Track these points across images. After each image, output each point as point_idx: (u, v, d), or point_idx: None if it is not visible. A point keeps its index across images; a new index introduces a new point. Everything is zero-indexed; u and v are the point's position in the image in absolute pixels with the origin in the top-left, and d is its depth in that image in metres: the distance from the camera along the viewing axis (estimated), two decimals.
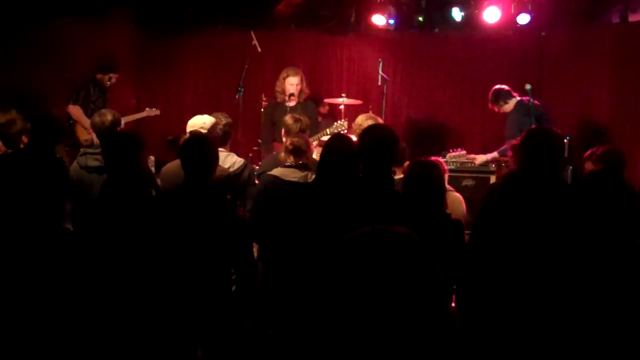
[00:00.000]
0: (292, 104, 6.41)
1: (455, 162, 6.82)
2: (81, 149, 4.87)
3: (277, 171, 4.38)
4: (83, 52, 7.28)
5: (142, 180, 3.73)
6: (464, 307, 3.03)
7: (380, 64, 7.13)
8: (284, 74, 6.52)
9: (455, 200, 4.41)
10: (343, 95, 7.12)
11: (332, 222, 3.44)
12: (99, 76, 6.98)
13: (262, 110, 6.97)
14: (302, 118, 5.21)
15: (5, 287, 3.05)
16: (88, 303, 3.37)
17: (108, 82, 7.04)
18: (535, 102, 6.53)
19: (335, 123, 6.22)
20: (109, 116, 4.76)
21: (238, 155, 4.91)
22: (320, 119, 7.29)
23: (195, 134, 4.46)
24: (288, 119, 5.24)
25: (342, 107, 7.08)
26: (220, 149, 4.37)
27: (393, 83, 8.10)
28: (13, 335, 3.01)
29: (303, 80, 6.50)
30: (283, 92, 6.46)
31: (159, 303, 3.35)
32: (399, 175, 4.26)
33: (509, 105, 6.63)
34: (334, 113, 7.85)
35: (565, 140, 4.33)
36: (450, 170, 6.11)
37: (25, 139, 4.71)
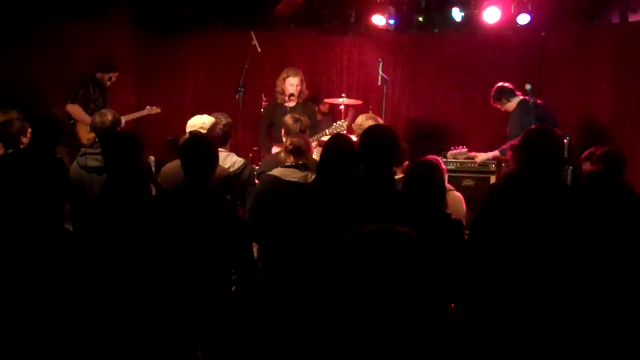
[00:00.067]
0: (291, 104, 6.42)
1: (455, 162, 6.82)
2: (81, 149, 4.87)
3: (277, 171, 4.38)
4: (83, 52, 7.28)
5: (142, 180, 3.73)
6: (463, 307, 3.03)
7: (380, 64, 7.14)
8: (284, 74, 6.52)
9: (456, 200, 4.42)
10: (343, 95, 7.12)
11: (332, 222, 3.44)
12: (98, 75, 6.98)
13: (262, 110, 6.97)
14: (302, 118, 5.22)
15: (5, 288, 3.05)
16: (88, 303, 3.37)
17: (108, 82, 7.04)
18: (539, 101, 6.53)
19: (335, 124, 6.22)
20: (109, 116, 4.76)
21: (238, 155, 4.91)
22: (320, 118, 7.30)
23: (195, 134, 4.46)
24: (288, 119, 5.24)
25: (342, 107, 7.08)
26: (220, 149, 4.37)
27: (393, 83, 8.10)
28: (13, 335, 3.01)
29: (303, 81, 6.50)
30: (283, 92, 6.47)
31: (159, 303, 3.35)
32: (399, 175, 4.26)
33: (512, 104, 6.61)
34: (334, 113, 7.86)
35: (565, 140, 4.34)
36: (450, 170, 6.13)
37: (23, 139, 4.71)
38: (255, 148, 7.10)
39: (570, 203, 3.03)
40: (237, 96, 6.78)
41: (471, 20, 7.76)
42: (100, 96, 6.94)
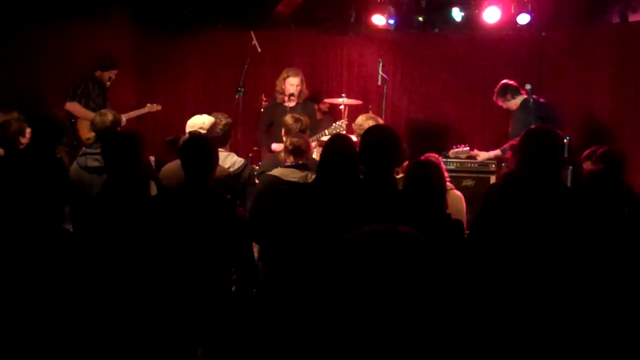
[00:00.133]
0: (291, 104, 6.42)
1: (456, 162, 6.82)
2: (81, 149, 4.87)
3: (277, 171, 4.38)
4: (83, 52, 7.28)
5: (142, 180, 3.73)
6: (462, 307, 3.03)
7: (380, 64, 7.14)
8: (284, 74, 6.53)
9: (456, 199, 4.42)
10: (343, 95, 7.12)
11: (332, 222, 3.44)
12: (97, 73, 6.96)
13: (262, 110, 6.97)
14: (302, 118, 5.22)
15: (5, 288, 3.05)
16: (88, 303, 3.37)
17: (108, 82, 7.03)
18: (542, 100, 6.52)
19: (335, 124, 6.22)
20: (109, 116, 4.76)
21: (238, 155, 4.91)
22: (320, 117, 7.30)
23: (195, 135, 4.46)
24: (288, 118, 5.25)
25: (342, 107, 7.08)
26: (220, 149, 4.37)
27: (393, 83, 8.10)
28: (13, 335, 3.01)
29: (303, 81, 6.51)
30: (283, 92, 6.47)
31: (159, 303, 3.35)
32: (399, 175, 4.26)
33: (516, 102, 6.57)
34: (334, 113, 7.85)
35: (565, 140, 4.33)
36: (451, 170, 6.12)
37: (22, 140, 4.71)
38: (255, 148, 7.10)
39: (569, 203, 3.03)
40: (237, 96, 6.77)
41: (471, 20, 7.76)
42: (100, 95, 6.92)
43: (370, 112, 6.65)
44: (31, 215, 3.62)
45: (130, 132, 5.13)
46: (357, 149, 3.69)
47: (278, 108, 6.46)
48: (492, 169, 6.76)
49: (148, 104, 7.26)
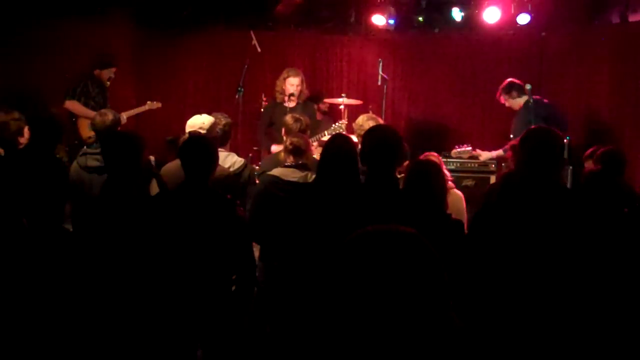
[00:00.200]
0: (291, 104, 6.42)
1: (456, 161, 6.82)
2: (81, 149, 4.87)
3: (277, 171, 4.38)
4: (83, 52, 7.28)
5: (142, 180, 3.73)
6: (462, 307, 3.03)
7: (380, 64, 7.13)
8: (284, 74, 6.53)
9: (457, 199, 4.42)
10: (343, 95, 7.13)
11: (332, 222, 3.44)
12: (96, 72, 6.93)
13: (262, 110, 6.97)
14: (302, 118, 5.22)
15: (5, 288, 3.05)
16: (88, 303, 3.37)
17: (108, 82, 7.02)
18: (545, 100, 6.51)
19: (335, 124, 6.23)
20: (109, 115, 4.77)
21: (238, 155, 4.91)
22: (320, 117, 7.30)
23: (195, 135, 4.46)
24: (288, 118, 5.25)
25: (342, 107, 7.08)
26: (220, 149, 4.37)
27: (393, 83, 8.10)
28: (13, 335, 3.01)
29: (303, 82, 6.51)
30: (283, 92, 6.48)
31: (159, 303, 3.35)
32: (400, 175, 4.26)
33: (519, 101, 6.53)
34: (334, 113, 7.85)
35: (565, 141, 4.34)
36: (451, 170, 6.12)
37: (21, 140, 4.71)
38: (255, 148, 7.10)
39: (567, 203, 3.03)
40: (237, 96, 6.77)
41: (471, 20, 7.76)
42: (100, 94, 6.90)
43: (370, 112, 6.65)
44: (31, 215, 3.62)
45: (130, 132, 5.12)
46: (357, 149, 3.69)
47: (278, 108, 6.46)
48: (492, 169, 6.76)
49: (148, 102, 7.24)
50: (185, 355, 3.45)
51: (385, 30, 8.15)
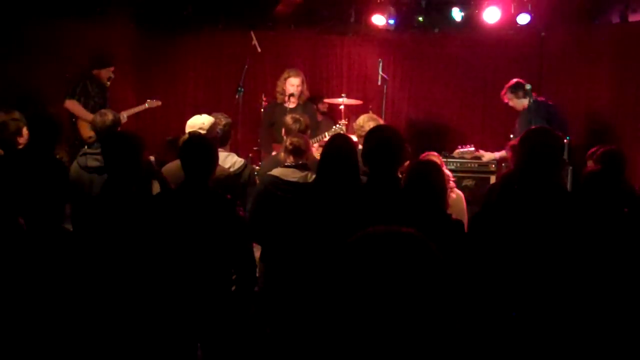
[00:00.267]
0: (292, 105, 6.42)
1: (456, 161, 6.82)
2: (81, 149, 4.87)
3: (277, 171, 4.38)
4: (83, 52, 7.27)
5: (143, 180, 3.73)
6: (462, 308, 3.03)
7: (380, 64, 7.14)
8: (285, 75, 6.53)
9: (458, 199, 4.43)
10: (343, 95, 7.13)
11: (332, 222, 3.44)
12: (95, 72, 6.91)
13: (262, 110, 6.97)
14: (301, 118, 5.22)
15: (6, 288, 3.05)
16: (88, 303, 3.37)
17: (108, 82, 7.00)
18: (550, 102, 6.50)
19: (335, 126, 6.25)
20: (109, 116, 4.76)
21: (238, 155, 4.91)
22: (320, 118, 7.30)
23: (195, 135, 4.46)
24: (288, 119, 5.25)
25: (342, 107, 7.08)
26: (220, 149, 4.37)
27: (393, 83, 8.10)
28: (13, 335, 3.01)
29: (304, 82, 6.51)
30: (283, 92, 6.48)
31: (159, 303, 3.35)
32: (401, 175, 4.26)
33: (525, 102, 6.49)
34: (334, 113, 7.85)
35: (565, 141, 4.33)
36: (451, 170, 6.11)
37: (20, 140, 4.71)
38: (255, 148, 7.10)
39: (565, 204, 3.03)
40: (237, 96, 6.77)
41: (471, 20, 7.76)
42: (100, 94, 6.88)
43: (370, 112, 6.65)
44: (30, 215, 3.62)
45: (130, 132, 5.12)
46: (357, 149, 3.69)
47: (278, 108, 6.46)
48: (492, 169, 6.75)
49: (148, 100, 7.21)
50: (185, 355, 3.45)
51: (385, 30, 8.15)
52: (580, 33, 7.72)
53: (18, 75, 6.97)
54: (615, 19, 7.54)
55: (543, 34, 8.01)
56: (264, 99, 7.24)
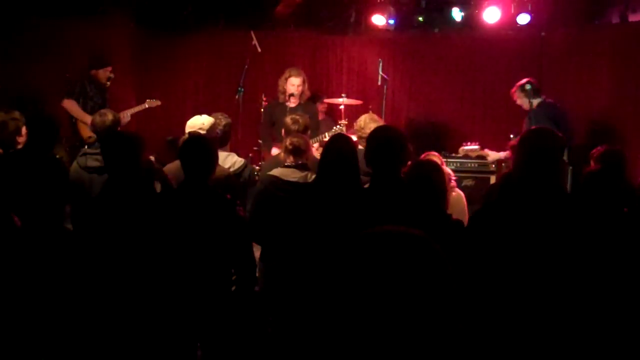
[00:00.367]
0: (292, 104, 6.42)
1: (456, 162, 6.82)
2: (81, 149, 4.87)
3: (277, 171, 4.38)
4: (83, 52, 7.27)
5: (143, 180, 3.73)
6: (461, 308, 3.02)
7: (380, 64, 7.13)
8: (286, 74, 6.52)
9: (458, 199, 4.42)
10: (343, 95, 7.12)
11: (332, 222, 3.44)
12: (93, 72, 6.88)
13: (262, 110, 6.97)
14: (300, 119, 5.21)
15: (6, 288, 3.05)
16: (88, 303, 3.37)
17: (108, 82, 6.98)
18: (558, 105, 6.48)
19: (335, 127, 6.25)
20: (109, 116, 4.76)
21: (238, 155, 4.91)
22: (320, 117, 7.30)
23: (194, 135, 4.46)
24: (287, 120, 5.25)
25: (342, 107, 7.08)
26: (220, 149, 4.37)
27: (393, 83, 8.09)
28: (13, 335, 3.01)
29: (305, 82, 6.50)
30: (284, 91, 6.47)
31: (159, 303, 3.35)
32: None
33: (534, 102, 6.46)
34: (334, 113, 7.85)
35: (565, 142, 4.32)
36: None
37: (19, 139, 4.71)
38: (255, 148, 7.09)
39: (564, 204, 3.02)
40: (237, 96, 6.77)
41: (471, 20, 7.76)
42: (99, 94, 6.85)
43: (370, 112, 6.65)
44: (29, 214, 3.62)
45: (130, 132, 5.12)
46: (357, 149, 3.69)
47: (279, 107, 6.46)
48: (492, 169, 6.76)
49: (147, 100, 7.18)
50: (185, 355, 3.45)
51: (385, 30, 8.15)
52: (580, 33, 7.72)
53: (18, 74, 6.96)
54: (615, 19, 7.54)
55: (543, 34, 8.01)
56: (264, 99, 7.24)
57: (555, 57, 7.96)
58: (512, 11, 7.39)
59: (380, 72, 7.07)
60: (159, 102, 7.27)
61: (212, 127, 4.67)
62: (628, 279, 2.99)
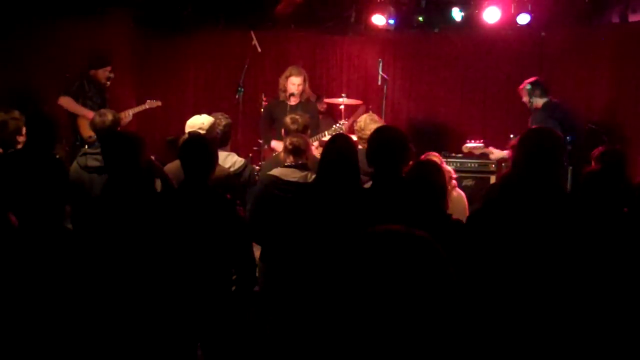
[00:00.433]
0: (293, 103, 6.42)
1: (456, 161, 6.82)
2: (81, 149, 4.86)
3: (277, 171, 4.38)
4: (83, 52, 7.26)
5: (143, 180, 3.73)
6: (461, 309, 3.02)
7: (380, 64, 7.14)
8: (287, 73, 6.52)
9: (459, 199, 4.42)
10: (343, 95, 7.12)
11: (332, 222, 3.44)
12: (92, 72, 6.85)
13: (262, 110, 6.97)
14: (299, 118, 5.21)
15: (6, 288, 3.05)
16: (88, 303, 3.36)
17: (108, 82, 6.96)
18: (565, 106, 6.47)
19: (335, 125, 6.24)
20: (109, 116, 4.76)
21: (238, 155, 4.91)
22: (320, 117, 7.30)
23: (194, 135, 4.46)
24: (287, 120, 5.24)
25: (342, 107, 7.08)
26: (220, 149, 4.37)
27: (393, 83, 8.10)
28: (14, 335, 3.01)
29: (306, 81, 6.50)
30: (285, 90, 6.47)
31: (159, 303, 3.35)
32: None
33: (540, 101, 6.45)
34: (334, 113, 7.85)
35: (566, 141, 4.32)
36: None
37: (19, 139, 4.70)
38: (255, 148, 7.10)
39: (564, 204, 3.02)
40: (237, 96, 6.77)
41: (471, 20, 7.76)
42: (98, 94, 6.82)
43: (370, 112, 6.65)
44: (29, 214, 3.62)
45: (130, 132, 5.12)
46: (357, 149, 3.69)
47: (279, 105, 6.46)
48: (492, 169, 6.76)
49: (148, 100, 7.17)
50: (185, 355, 3.45)
51: (385, 30, 8.15)
52: (580, 33, 7.72)
53: (18, 74, 6.96)
54: (615, 19, 7.54)
55: (543, 34, 8.01)
56: (264, 99, 7.24)
57: (555, 57, 7.96)
58: (512, 11, 7.39)
59: (380, 72, 7.08)
60: (159, 103, 7.26)
61: (212, 127, 4.67)
62: (628, 278, 2.99)
